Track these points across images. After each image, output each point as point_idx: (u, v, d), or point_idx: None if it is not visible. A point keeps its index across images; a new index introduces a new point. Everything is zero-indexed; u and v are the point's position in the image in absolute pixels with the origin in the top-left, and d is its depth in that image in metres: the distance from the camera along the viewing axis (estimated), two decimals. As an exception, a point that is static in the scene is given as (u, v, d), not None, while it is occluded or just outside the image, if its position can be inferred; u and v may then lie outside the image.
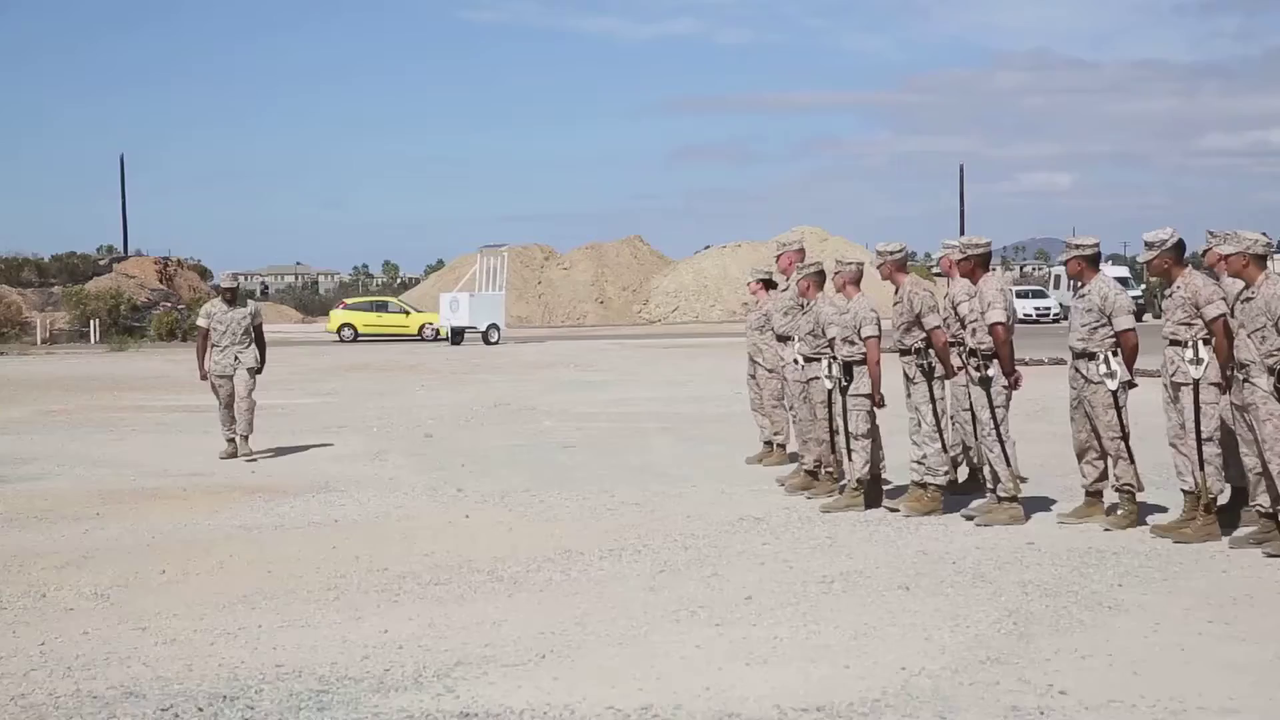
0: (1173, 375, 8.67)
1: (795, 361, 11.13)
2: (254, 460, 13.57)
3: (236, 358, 13.84)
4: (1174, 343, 8.66)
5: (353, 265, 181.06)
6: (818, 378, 10.79)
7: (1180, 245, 8.80)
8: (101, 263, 61.94)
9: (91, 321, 49.72)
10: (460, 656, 6.23)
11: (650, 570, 8.13)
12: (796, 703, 5.47)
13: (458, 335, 43.94)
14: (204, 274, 66.07)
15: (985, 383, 9.29)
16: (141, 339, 47.86)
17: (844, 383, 10.11)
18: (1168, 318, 8.72)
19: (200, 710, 5.50)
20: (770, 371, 12.65)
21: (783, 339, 11.70)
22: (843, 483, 10.39)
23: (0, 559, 8.69)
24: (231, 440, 13.88)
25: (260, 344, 14.07)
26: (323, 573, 8.20)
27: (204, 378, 14.04)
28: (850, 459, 10.11)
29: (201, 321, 14.18)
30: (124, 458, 14.07)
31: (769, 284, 12.80)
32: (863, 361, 10.04)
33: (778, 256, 11.84)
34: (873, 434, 10.13)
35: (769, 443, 12.97)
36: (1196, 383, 8.54)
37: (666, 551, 8.68)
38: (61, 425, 17.67)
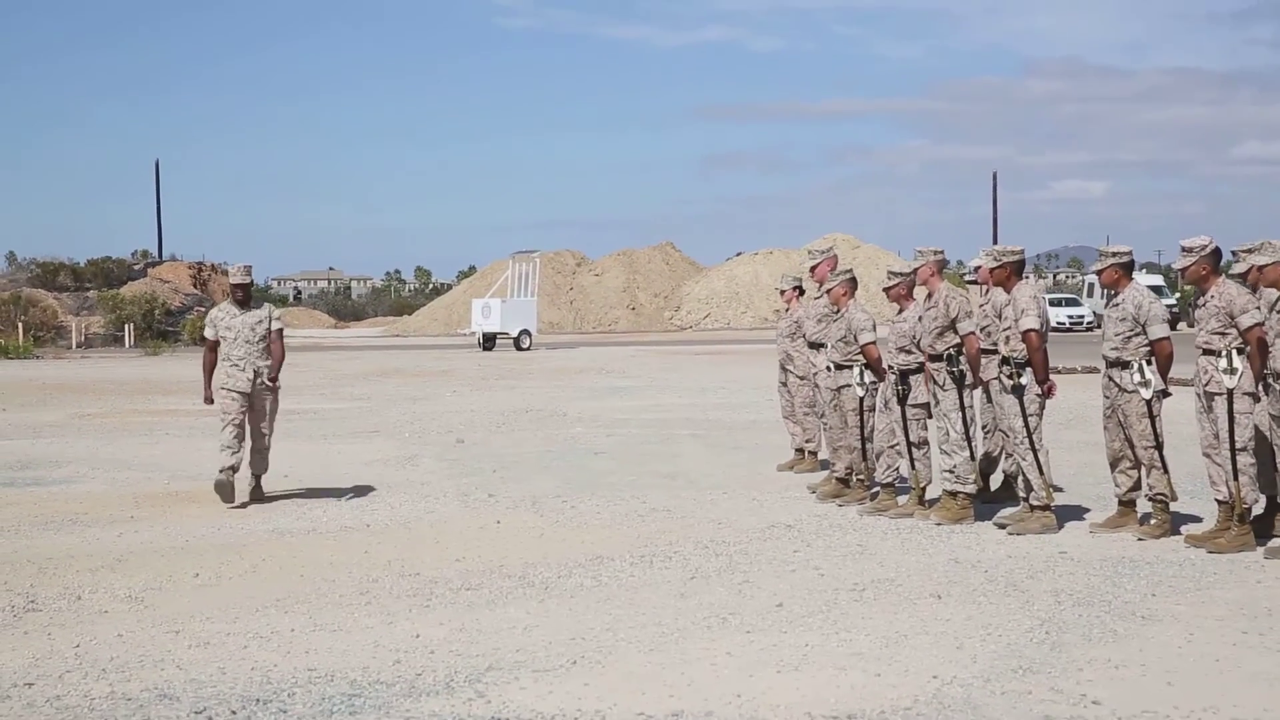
0: (1206, 385, 8.62)
1: (827, 369, 11.11)
2: (266, 502, 11.15)
3: (256, 373, 11.12)
4: (1207, 352, 8.61)
5: (385, 271, 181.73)
6: (849, 385, 10.78)
7: (1217, 253, 8.75)
8: (136, 267, 62.26)
9: (126, 326, 50.05)
10: (491, 661, 6.25)
11: (681, 577, 8.13)
12: (827, 710, 5.46)
13: (489, 341, 44.03)
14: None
15: (1018, 391, 9.25)
16: (175, 343, 48.16)
17: (902, 391, 10.08)
18: (1201, 327, 8.67)
19: (233, 713, 5.53)
20: (802, 379, 12.64)
21: (815, 346, 11.69)
22: (893, 494, 10.39)
23: (36, 561, 8.76)
24: (230, 471, 10.97)
25: (277, 355, 11.30)
26: (355, 577, 8.23)
27: (209, 400, 11.54)
28: (914, 468, 10.08)
29: (208, 332, 11.39)
30: (158, 461, 14.15)
31: (800, 290, 12.91)
32: (917, 370, 10.02)
33: (813, 267, 11.78)
34: (924, 444, 10.14)
35: (800, 450, 12.95)
36: (1231, 392, 8.49)
37: (697, 558, 8.68)
38: (96, 429, 17.79)
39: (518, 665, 6.18)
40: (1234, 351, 8.48)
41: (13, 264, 72.93)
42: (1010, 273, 9.46)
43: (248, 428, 11.14)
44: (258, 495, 11.26)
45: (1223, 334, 8.52)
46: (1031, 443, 9.22)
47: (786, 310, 13.09)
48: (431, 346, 48.55)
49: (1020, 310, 9.19)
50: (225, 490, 10.93)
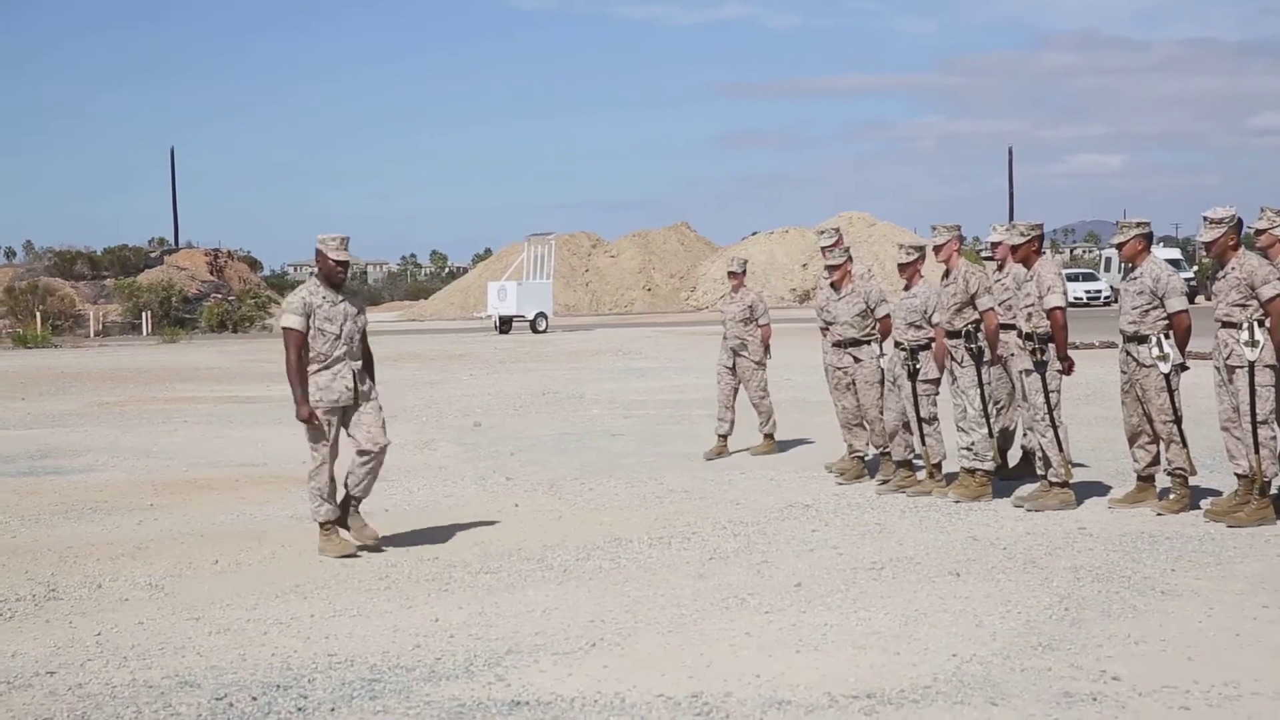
0: (1226, 358, 8.58)
1: (836, 347, 11.10)
2: (378, 549, 8.44)
3: (356, 377, 8.39)
4: (1227, 324, 8.56)
5: (401, 255, 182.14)
6: (872, 359, 10.81)
7: (1239, 224, 8.69)
8: (153, 255, 62.36)
9: (143, 313, 50.22)
10: (511, 645, 6.25)
11: (699, 558, 8.13)
12: (847, 689, 5.46)
13: (505, 324, 44.07)
14: (254, 265, 66.38)
15: (1040, 367, 9.21)
16: (193, 330, 48.29)
17: (913, 367, 10.06)
18: (1220, 299, 8.62)
19: (254, 699, 5.54)
20: (757, 364, 12.76)
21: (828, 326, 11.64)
22: (913, 470, 10.38)
23: (57, 550, 8.79)
24: (333, 527, 8.42)
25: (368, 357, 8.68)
26: (373, 562, 8.24)
27: (310, 418, 8.22)
28: (925, 444, 10.06)
29: (294, 321, 8.22)
30: (176, 449, 14.19)
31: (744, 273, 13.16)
32: (928, 346, 10.00)
33: (824, 248, 11.69)
34: (935, 420, 10.12)
35: (770, 435, 13.00)
36: (1252, 365, 8.45)
37: (715, 539, 8.67)
38: (115, 417, 17.84)
39: (537, 648, 6.19)
40: (1255, 324, 8.44)
41: (30, 253, 73.22)
42: (1036, 248, 9.41)
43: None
44: (361, 530, 8.46)
45: (1243, 306, 8.48)
46: (1052, 419, 9.19)
47: (734, 294, 13.09)
48: (448, 330, 48.61)
49: (1046, 287, 9.14)
50: (341, 546, 8.38)
